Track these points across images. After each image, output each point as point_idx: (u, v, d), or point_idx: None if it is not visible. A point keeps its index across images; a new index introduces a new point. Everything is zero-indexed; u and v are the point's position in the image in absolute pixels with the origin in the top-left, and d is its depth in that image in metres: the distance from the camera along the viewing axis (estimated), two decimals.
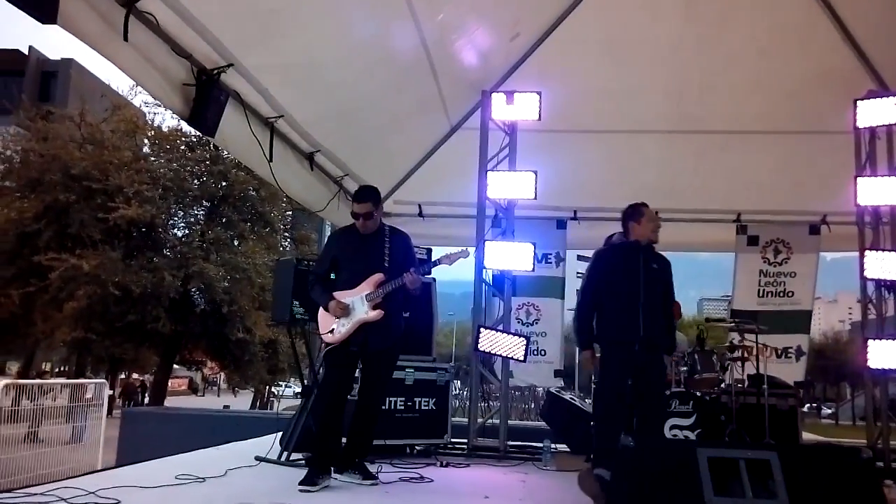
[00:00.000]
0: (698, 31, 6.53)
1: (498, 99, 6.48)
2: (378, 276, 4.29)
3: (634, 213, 4.69)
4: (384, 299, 4.27)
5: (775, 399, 5.89)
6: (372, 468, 4.43)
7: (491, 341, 5.97)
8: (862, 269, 5.90)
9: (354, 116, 6.13)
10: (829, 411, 42.50)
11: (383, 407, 4.98)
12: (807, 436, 8.06)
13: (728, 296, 8.74)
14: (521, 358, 5.93)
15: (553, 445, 5.75)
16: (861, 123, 6.20)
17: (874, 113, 6.13)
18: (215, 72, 4.51)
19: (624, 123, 7.21)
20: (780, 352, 7.70)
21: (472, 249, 5.91)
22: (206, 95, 4.47)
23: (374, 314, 4.25)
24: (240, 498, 3.16)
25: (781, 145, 7.21)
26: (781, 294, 7.90)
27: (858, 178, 6.11)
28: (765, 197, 7.64)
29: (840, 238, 7.45)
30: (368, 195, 4.45)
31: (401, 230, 4.68)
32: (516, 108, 6.42)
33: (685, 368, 5.84)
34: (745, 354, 6.08)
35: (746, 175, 7.54)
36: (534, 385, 8.53)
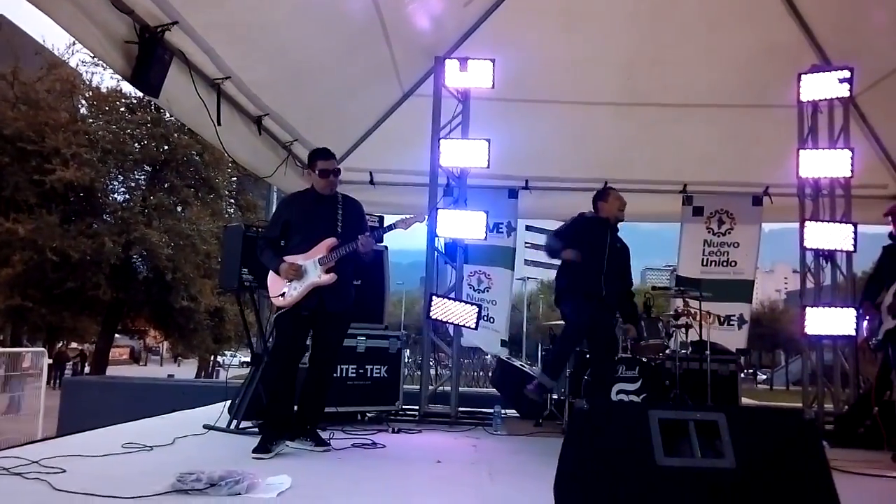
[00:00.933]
0: (652, 3, 6.57)
1: (451, 65, 6.41)
2: (331, 241, 4.24)
3: (602, 193, 5.42)
4: (337, 264, 4.22)
5: (717, 365, 6.10)
6: (324, 435, 4.42)
7: (443, 309, 5.98)
8: (802, 240, 6.11)
9: (305, 80, 5.98)
10: (764, 377, 44.37)
11: (335, 374, 4.95)
12: (745, 401, 8.40)
13: (670, 266, 8.96)
14: (473, 326, 5.97)
15: (503, 411, 5.83)
16: (804, 97, 6.37)
17: (817, 87, 6.30)
18: (159, 29, 4.32)
19: (577, 94, 7.24)
20: (722, 319, 7.94)
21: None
22: (150, 54, 4.29)
23: (327, 277, 4.20)
24: (189, 465, 3.10)
25: (728, 118, 7.35)
26: (725, 263, 8.11)
27: (801, 151, 6.29)
28: (710, 169, 7.81)
29: (781, 209, 7.68)
30: (333, 153, 4.44)
31: (353, 198, 4.63)
32: (469, 75, 6.37)
33: (632, 335, 5.97)
34: (689, 321, 6.26)
35: (694, 147, 7.68)
36: (479, 349, 8.62)
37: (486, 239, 6.55)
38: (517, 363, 6.85)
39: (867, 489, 3.77)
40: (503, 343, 8.06)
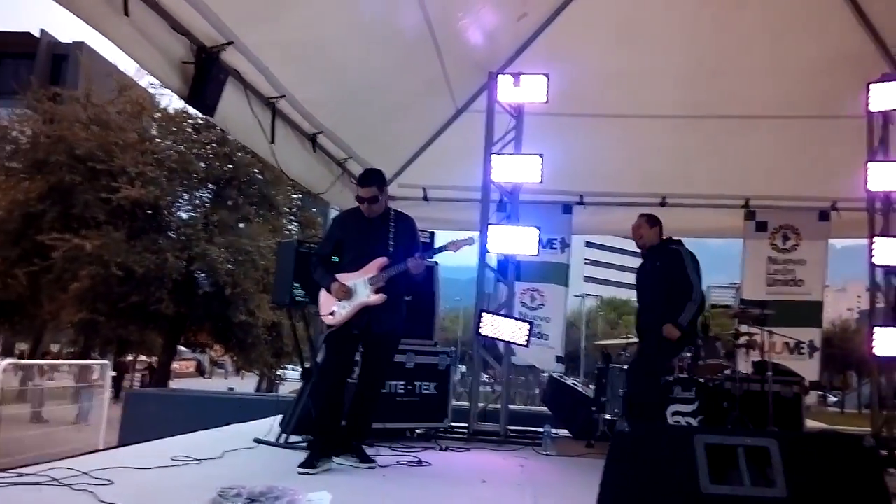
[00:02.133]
0: (712, 13, 6.39)
1: (504, 81, 6.39)
2: (382, 260, 4.24)
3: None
4: (387, 283, 4.22)
5: (780, 386, 5.81)
6: (370, 451, 4.40)
7: (493, 326, 5.92)
8: (871, 256, 5.81)
9: (358, 97, 6.04)
10: (836, 400, 42.33)
11: (383, 391, 4.94)
12: (811, 423, 8.00)
13: (735, 283, 8.61)
14: (524, 343, 5.88)
15: (554, 431, 5.71)
16: (874, 107, 6.08)
17: (888, 96, 6.00)
18: (214, 49, 4.44)
19: (633, 108, 7.09)
20: (792, 347, 7.56)
21: (477, 235, 5.93)
22: (205, 74, 4.40)
23: (376, 298, 4.20)
24: (235, 479, 3.13)
25: (793, 130, 7.07)
26: (791, 283, 7.77)
27: (870, 163, 6.00)
28: (774, 182, 7.53)
29: (850, 224, 7.32)
30: (373, 179, 4.39)
31: (406, 214, 4.63)
32: (523, 90, 6.34)
33: (689, 355, 5.76)
34: (752, 344, 6.00)
35: (757, 160, 7.42)
36: (534, 367, 8.49)
37: (538, 255, 6.47)
38: (569, 382, 6.70)
39: None
40: (559, 359, 7.92)
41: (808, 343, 7.60)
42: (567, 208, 7.80)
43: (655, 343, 5.19)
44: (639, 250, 5.56)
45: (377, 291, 4.20)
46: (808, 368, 7.47)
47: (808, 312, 7.69)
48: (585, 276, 56.30)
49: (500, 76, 6.43)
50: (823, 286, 7.92)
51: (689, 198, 7.65)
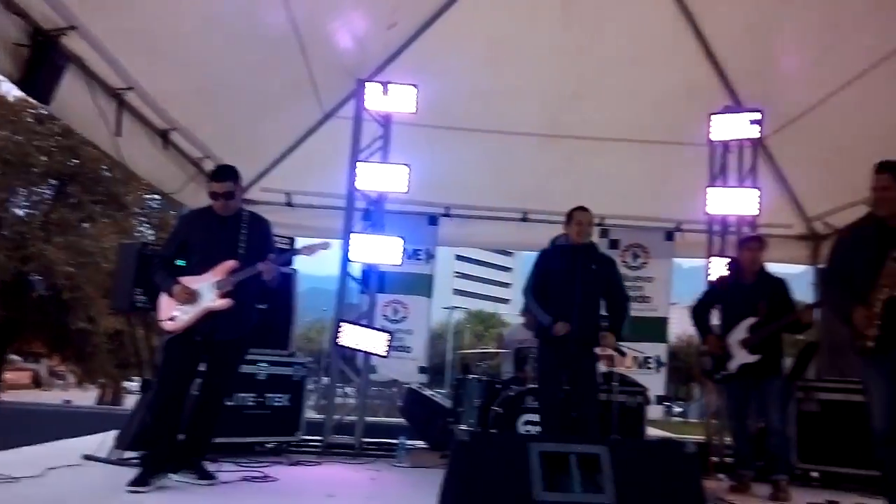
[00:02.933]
0: (575, 38, 6.66)
1: (373, 88, 6.35)
2: (230, 263, 4.03)
3: (566, 217, 5.06)
4: (236, 288, 4.01)
5: (625, 397, 6.09)
6: (212, 467, 4.15)
7: (353, 336, 5.81)
8: (707, 275, 6.24)
9: (217, 94, 5.76)
10: (680, 410, 45.35)
11: (230, 403, 4.70)
12: (654, 432, 8.45)
13: None
14: (383, 354, 5.82)
15: (411, 442, 5.67)
16: (714, 137, 6.55)
17: (727, 127, 6.49)
18: (53, 33, 4.08)
19: (500, 124, 7.24)
20: (641, 361, 7.97)
21: (340, 242, 5.78)
22: (41, 58, 4.03)
23: (222, 303, 3.98)
24: (54, 499, 2.83)
25: (644, 154, 7.47)
26: (640, 300, 8.17)
27: (709, 189, 6.46)
28: (627, 203, 7.89)
29: (692, 245, 7.81)
30: (229, 173, 4.19)
31: (261, 216, 4.44)
32: (392, 99, 6.32)
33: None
34: (604, 357, 6.23)
35: (611, 181, 7.76)
36: (397, 381, 8.44)
37: (402, 265, 6.46)
38: (427, 392, 6.70)
39: None
40: (421, 370, 7.90)
41: (654, 358, 8.03)
42: (433, 220, 7.82)
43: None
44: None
45: (224, 296, 3.98)
46: (656, 382, 7.88)
47: (655, 328, 8.13)
48: (455, 289, 57.24)
49: (368, 84, 6.38)
50: (669, 303, 8.40)
51: (550, 214, 7.89)
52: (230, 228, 4.15)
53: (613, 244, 8.08)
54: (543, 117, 7.26)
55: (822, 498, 4.40)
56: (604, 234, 8.10)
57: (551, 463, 2.12)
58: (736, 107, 6.77)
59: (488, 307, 54.89)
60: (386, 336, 5.79)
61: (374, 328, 5.98)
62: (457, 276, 62.96)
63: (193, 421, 4.08)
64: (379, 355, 5.84)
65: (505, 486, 2.09)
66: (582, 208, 5.02)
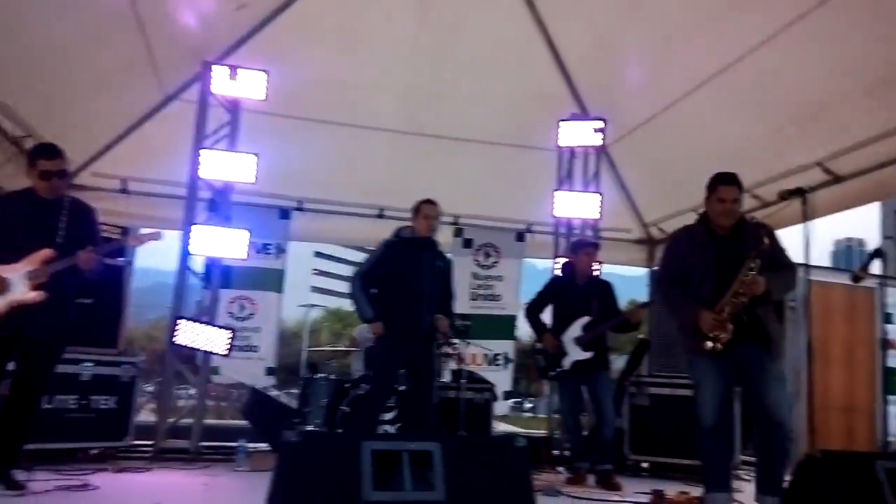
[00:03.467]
0: (432, 37, 6.69)
1: (220, 72, 6.02)
2: (46, 252, 3.65)
3: (413, 209, 4.99)
4: (50, 279, 3.63)
5: (472, 393, 6.18)
6: (22, 476, 3.72)
7: (190, 334, 5.47)
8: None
9: (39, 66, 5.21)
10: (530, 405, 47.28)
11: (48, 406, 4.26)
12: (504, 427, 8.67)
13: None
14: (224, 352, 5.52)
15: (253, 445, 5.41)
16: (562, 142, 6.82)
17: (574, 134, 6.78)
18: None
19: (355, 118, 7.12)
20: (490, 358, 8.14)
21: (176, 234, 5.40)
22: None
23: (34, 295, 3.59)
24: None
25: (498, 156, 7.63)
26: (491, 298, 8.36)
27: (556, 192, 6.70)
28: (480, 203, 8.04)
29: (541, 246, 8.10)
30: (61, 151, 3.85)
31: (85, 203, 4.07)
32: (240, 84, 6.04)
33: None
34: (454, 354, 6.29)
35: (466, 181, 7.87)
36: (243, 383, 8.08)
37: (249, 260, 6.17)
38: (273, 393, 6.46)
39: None
40: (269, 371, 7.59)
41: (503, 355, 8.24)
42: (285, 213, 7.55)
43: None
44: None
45: (36, 288, 3.58)
46: (503, 378, 8.11)
47: (505, 326, 8.35)
48: (313, 287, 56.13)
49: (215, 66, 6.04)
50: (518, 302, 8.64)
51: (406, 211, 7.85)
52: (49, 214, 3.77)
53: (467, 243, 8.21)
54: (400, 114, 7.23)
55: (648, 487, 4.64)
56: (458, 233, 8.21)
57: (383, 462, 2.06)
58: (582, 115, 7.09)
59: (348, 305, 53.66)
60: (227, 334, 5.49)
61: (215, 325, 5.65)
62: (315, 274, 61.86)
63: (1, 425, 3.64)
64: (219, 354, 5.53)
65: (334, 487, 2.00)
66: (430, 201, 4.95)
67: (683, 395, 5.80)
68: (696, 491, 4.47)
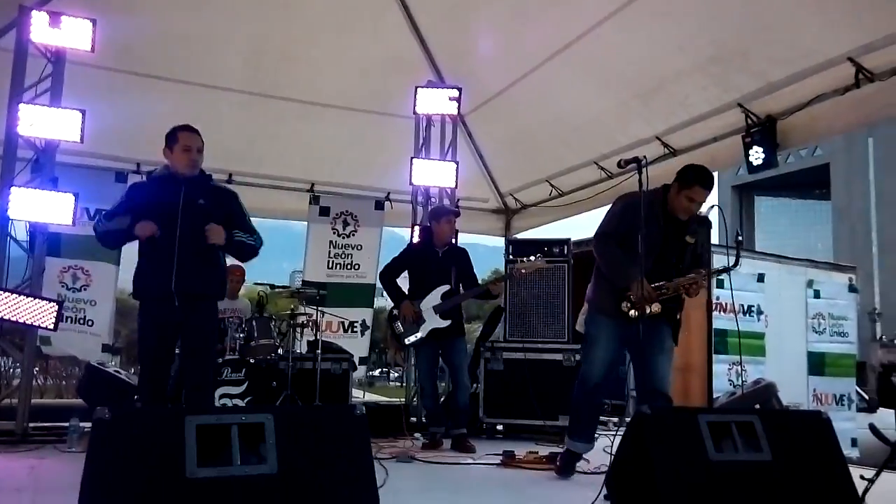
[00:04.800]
0: None
1: (39, 18, 5.38)
2: None
3: (166, 138, 4.01)
4: None
5: (329, 364, 6.07)
6: None
7: (11, 307, 4.93)
8: (411, 244, 6.42)
9: None
10: (397, 375, 47.81)
11: None
12: (369, 397, 8.63)
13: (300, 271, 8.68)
14: (51, 327, 5.03)
15: (86, 424, 4.99)
16: (419, 110, 6.74)
17: (431, 102, 6.71)
18: None
19: (198, 76, 6.71)
20: (346, 325, 8.04)
21: None
22: None
23: None
24: None
25: (354, 122, 7.48)
26: (349, 266, 8.23)
27: (414, 160, 6.65)
28: (338, 170, 7.87)
29: (401, 214, 8.04)
30: None
31: None
32: (64, 33, 5.42)
33: (242, 335, 5.64)
34: (306, 321, 6.15)
35: (321, 147, 7.68)
36: (76, 357, 7.48)
37: (77, 226, 5.66)
38: (111, 369, 6.01)
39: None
40: (105, 348, 7.04)
41: (360, 322, 8.17)
42: (121, 176, 6.97)
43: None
44: None
45: None
46: (360, 345, 8.05)
47: (362, 294, 8.26)
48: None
49: (34, 12, 5.40)
50: (377, 271, 8.55)
51: (257, 177, 7.56)
52: None
53: (324, 211, 8.02)
54: (248, 74, 6.88)
55: (501, 448, 4.77)
56: (314, 200, 8.00)
57: (210, 436, 1.92)
58: (439, 82, 7.05)
59: None
60: (54, 306, 4.99)
61: (39, 297, 5.13)
62: None
63: None
64: (45, 328, 5.03)
65: (156, 465, 1.84)
66: (189, 127, 3.99)
67: (536, 360, 6.02)
68: (544, 451, 4.66)
